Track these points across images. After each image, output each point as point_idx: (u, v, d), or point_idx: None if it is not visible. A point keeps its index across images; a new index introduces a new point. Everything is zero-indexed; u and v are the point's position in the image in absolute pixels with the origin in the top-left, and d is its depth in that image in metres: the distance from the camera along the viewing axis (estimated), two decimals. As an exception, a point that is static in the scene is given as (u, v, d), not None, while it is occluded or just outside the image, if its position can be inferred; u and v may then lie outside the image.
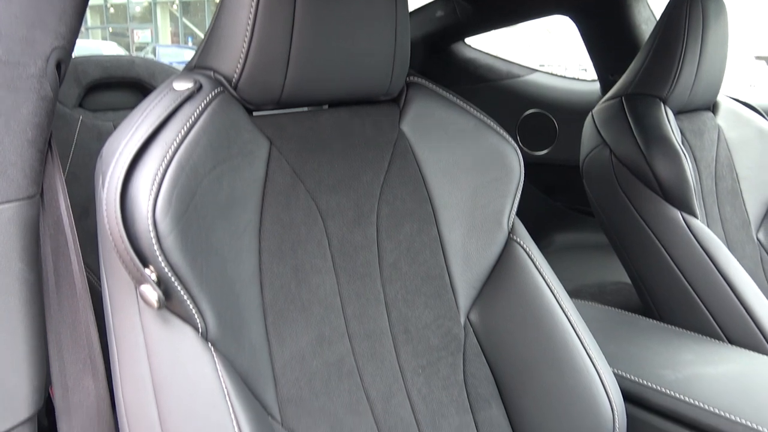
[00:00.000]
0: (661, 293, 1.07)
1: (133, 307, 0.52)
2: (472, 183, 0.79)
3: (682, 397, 0.80)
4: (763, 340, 0.95)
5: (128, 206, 0.50)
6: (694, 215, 1.04)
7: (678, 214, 1.04)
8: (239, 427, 0.50)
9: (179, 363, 0.51)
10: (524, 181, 0.82)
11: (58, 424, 0.63)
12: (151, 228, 0.48)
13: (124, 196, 0.51)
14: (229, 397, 0.51)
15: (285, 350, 0.63)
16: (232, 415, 0.51)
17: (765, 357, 0.90)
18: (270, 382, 0.61)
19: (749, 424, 0.73)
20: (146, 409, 0.51)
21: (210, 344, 0.53)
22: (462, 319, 0.78)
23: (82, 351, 0.62)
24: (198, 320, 0.52)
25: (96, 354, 0.62)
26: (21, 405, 0.55)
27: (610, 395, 0.74)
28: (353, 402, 0.67)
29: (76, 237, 0.61)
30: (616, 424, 0.74)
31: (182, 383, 0.51)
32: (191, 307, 0.52)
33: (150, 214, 0.49)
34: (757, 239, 1.25)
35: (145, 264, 0.50)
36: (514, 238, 0.81)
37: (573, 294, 0.90)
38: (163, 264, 0.49)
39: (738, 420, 0.74)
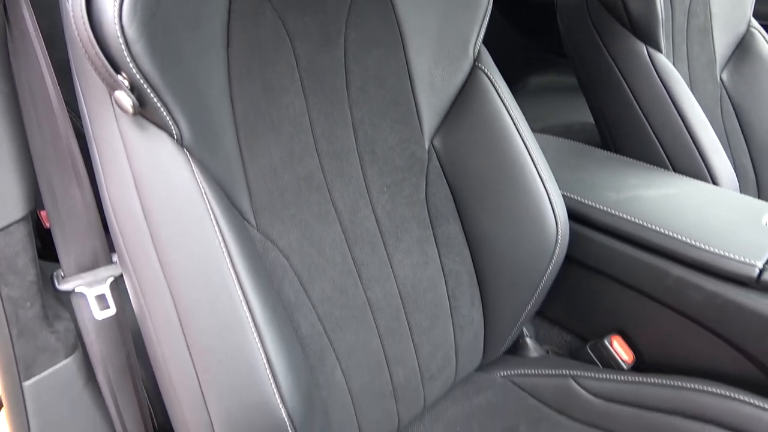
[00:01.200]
0: (619, 126, 1.12)
1: (110, 114, 0.55)
2: (440, 9, 0.79)
3: (622, 215, 0.88)
4: (705, 170, 1.03)
5: (95, 13, 0.51)
6: (659, 50, 1.07)
7: (643, 48, 1.06)
8: (217, 223, 0.56)
9: (158, 165, 0.55)
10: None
11: (53, 233, 0.69)
12: (119, 33, 0.50)
13: (90, 4, 0.52)
14: (206, 197, 0.56)
15: (257, 163, 0.68)
16: (211, 213, 0.56)
17: (703, 183, 0.98)
18: (244, 191, 0.66)
19: (679, 237, 0.83)
20: (131, 207, 0.56)
21: (186, 150, 0.57)
22: (426, 144, 0.83)
23: (65, 163, 0.66)
24: (173, 127, 0.56)
25: (79, 165, 0.67)
26: (14, 206, 0.60)
27: (557, 213, 0.82)
28: (322, 213, 0.74)
29: (45, 50, 0.62)
30: (559, 238, 0.82)
31: (162, 183, 0.56)
32: (165, 114, 0.55)
33: (117, 20, 0.50)
34: (720, 79, 1.29)
35: (117, 71, 0.52)
36: (480, 66, 0.83)
37: (539, 132, 0.94)
38: (134, 70, 0.52)
39: (670, 234, 0.84)
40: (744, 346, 0.79)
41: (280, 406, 0.54)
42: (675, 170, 1.04)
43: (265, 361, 0.53)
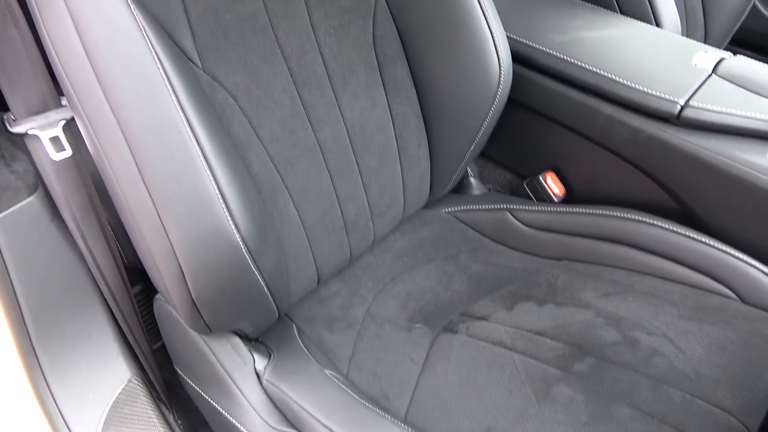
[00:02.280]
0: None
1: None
2: None
3: (562, 56, 0.91)
4: (650, 12, 1.04)
5: None
6: None
7: None
8: (160, 62, 0.57)
9: (95, 3, 0.55)
10: None
11: (1, 85, 0.69)
12: None
13: None
14: (147, 36, 0.57)
15: (198, 3, 0.67)
16: (153, 52, 0.57)
17: (646, 25, 1.00)
18: (186, 31, 0.67)
19: (611, 77, 0.87)
20: (73, 48, 0.57)
21: (122, -13, 0.57)
22: (373, -15, 0.82)
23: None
24: None
25: (12, 4, 0.65)
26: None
27: (500, 55, 0.85)
28: (268, 55, 0.75)
29: None
30: (501, 80, 0.86)
31: (102, 23, 0.55)
32: None
33: None
34: None
35: None
36: None
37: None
38: None
39: (603, 73, 0.88)
40: (661, 178, 0.87)
41: (234, 231, 0.59)
42: (621, 12, 1.05)
43: (216, 190, 0.58)
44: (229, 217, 0.59)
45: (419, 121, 0.91)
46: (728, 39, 1.41)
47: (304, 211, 0.80)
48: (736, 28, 1.41)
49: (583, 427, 0.63)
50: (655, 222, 0.84)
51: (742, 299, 0.76)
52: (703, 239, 0.79)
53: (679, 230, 0.81)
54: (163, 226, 0.59)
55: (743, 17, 1.41)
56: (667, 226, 0.83)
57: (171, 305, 0.75)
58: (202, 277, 0.61)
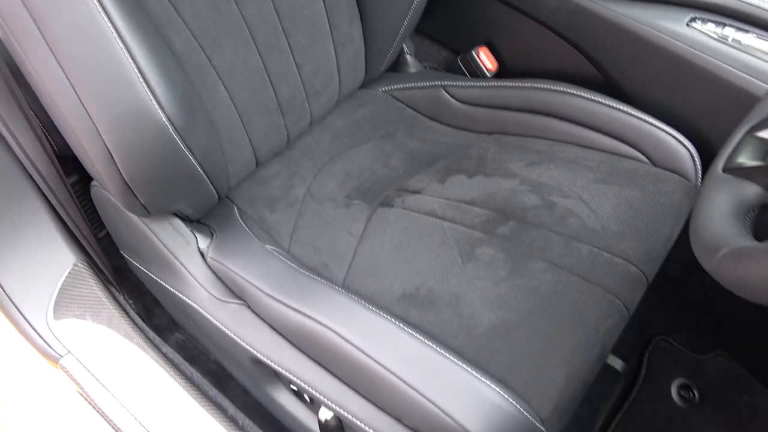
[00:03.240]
0: None
1: None
2: None
3: None
4: None
5: None
6: None
7: None
8: None
9: None
10: None
11: None
12: None
13: None
14: None
15: None
16: None
17: None
18: None
19: None
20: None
21: None
22: None
23: None
24: None
25: None
26: None
27: None
28: None
29: None
30: None
31: None
32: None
33: None
34: None
35: None
36: None
37: None
38: None
39: None
40: (587, 48, 0.89)
41: (158, 110, 0.59)
42: None
43: (135, 69, 0.57)
44: (151, 96, 0.59)
45: (350, -5, 0.89)
46: None
47: (234, 92, 0.79)
48: None
49: (501, 281, 0.69)
50: (579, 92, 0.87)
51: (652, 162, 0.82)
52: (620, 107, 0.84)
53: (600, 99, 0.85)
54: (84, 105, 0.58)
55: None
56: (589, 96, 0.87)
57: (106, 190, 0.75)
58: (131, 157, 0.61)
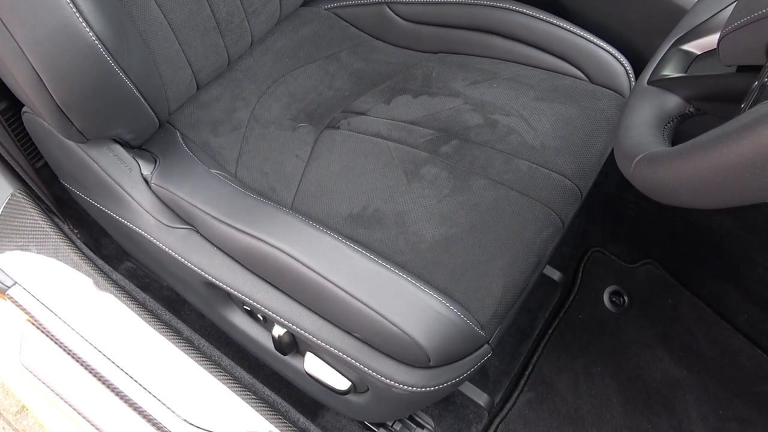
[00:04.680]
0: None
1: None
2: None
3: None
4: None
5: None
6: None
7: None
8: None
9: None
10: None
11: None
12: None
13: None
14: None
15: None
16: None
17: None
18: None
19: None
20: None
21: None
22: None
23: None
24: None
25: None
26: None
27: None
28: None
29: None
30: None
31: None
32: None
33: None
34: None
35: None
36: None
37: None
38: None
39: None
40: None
41: (86, 28, 0.56)
42: None
43: (56, -17, 0.54)
44: (76, 12, 0.56)
45: None
46: None
47: (168, 10, 0.76)
48: None
49: (445, 198, 0.72)
50: (521, 9, 0.87)
51: (590, 79, 0.84)
52: (562, 24, 0.84)
53: (540, 16, 0.85)
54: (5, 25, 0.55)
55: None
56: (531, 13, 0.87)
57: (39, 116, 0.72)
58: (61, 79, 0.59)
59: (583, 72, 0.84)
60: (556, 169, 0.74)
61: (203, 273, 0.73)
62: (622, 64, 0.82)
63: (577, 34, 0.83)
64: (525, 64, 0.87)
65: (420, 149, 0.78)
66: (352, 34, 0.99)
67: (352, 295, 0.60)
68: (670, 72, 0.51)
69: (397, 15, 0.96)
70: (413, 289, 0.61)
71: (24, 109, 0.78)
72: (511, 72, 0.86)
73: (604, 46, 0.82)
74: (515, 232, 0.69)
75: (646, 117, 0.47)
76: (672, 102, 0.48)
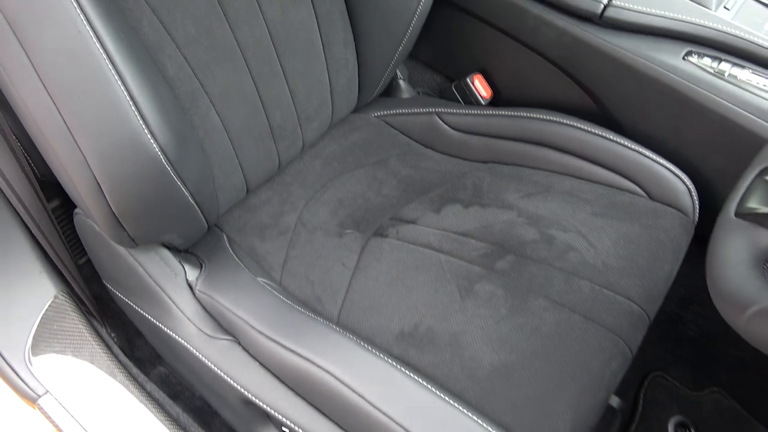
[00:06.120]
0: None
1: None
2: None
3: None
4: None
5: None
6: None
7: None
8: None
9: None
10: None
11: None
12: None
13: None
14: None
15: None
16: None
17: None
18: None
19: None
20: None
21: None
22: None
23: None
24: None
25: None
26: None
27: None
28: (210, 18, 0.69)
29: None
30: None
31: None
32: None
33: None
34: None
35: None
36: None
37: None
38: None
39: None
40: (583, 79, 0.89)
41: (151, 140, 0.56)
42: None
43: (127, 96, 0.54)
44: (143, 125, 0.56)
45: (344, 20, 0.87)
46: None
47: (227, 118, 0.77)
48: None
49: (502, 319, 0.67)
50: (575, 123, 0.87)
51: (649, 196, 0.81)
52: (618, 139, 0.83)
53: (596, 131, 0.85)
54: (73, 136, 0.55)
55: None
56: (585, 128, 0.86)
57: (92, 219, 0.72)
58: (120, 189, 0.58)
59: (641, 188, 0.82)
60: (621, 291, 0.70)
61: (242, 389, 0.68)
62: (684, 182, 0.79)
63: (635, 150, 0.82)
64: (579, 178, 0.85)
65: (473, 264, 0.75)
66: (401, 141, 0.99)
67: (407, 431, 0.55)
68: (758, 205, 0.48)
69: (447, 124, 0.96)
70: (474, 426, 0.56)
71: (76, 210, 0.78)
72: (566, 185, 0.84)
73: (664, 162, 0.80)
74: (581, 362, 0.64)
75: (741, 255, 0.43)
76: (767, 239, 0.45)
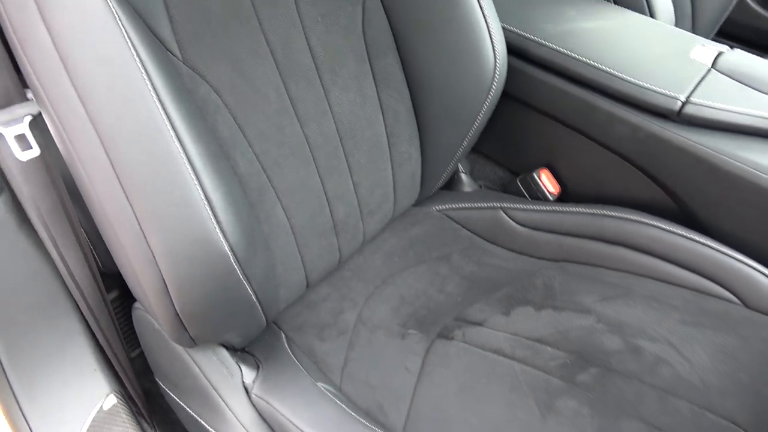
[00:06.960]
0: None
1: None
2: None
3: (556, 47, 0.88)
4: (644, 2, 1.02)
5: None
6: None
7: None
8: (136, 50, 0.52)
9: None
10: None
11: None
12: None
13: None
14: (120, 21, 0.51)
15: (175, -12, 0.62)
16: (127, 39, 0.52)
17: (639, 15, 0.97)
18: (164, 18, 0.61)
19: (608, 70, 0.84)
20: (37, 36, 0.51)
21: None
22: (362, -27, 0.77)
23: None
24: None
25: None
26: None
27: (496, 47, 0.81)
28: (254, 45, 0.69)
29: None
30: (496, 73, 0.82)
31: (69, 7, 0.50)
32: None
33: None
34: None
35: None
36: None
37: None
38: None
39: (599, 66, 0.84)
40: (660, 176, 0.85)
41: (222, 239, 0.55)
42: (615, 2, 1.02)
43: (202, 195, 0.53)
44: (216, 224, 0.54)
45: (410, 116, 0.87)
46: (715, 30, 1.40)
47: (292, 213, 0.75)
48: (723, 19, 1.40)
49: (590, 442, 0.60)
50: (654, 222, 0.82)
51: (744, 303, 0.74)
52: (703, 241, 0.77)
53: (678, 231, 0.79)
54: (144, 233, 0.54)
55: (730, 8, 1.40)
56: (666, 227, 0.81)
57: (152, 316, 0.70)
58: (186, 289, 0.56)
59: (734, 294, 0.75)
60: (725, 415, 0.62)
61: None
62: (785, 290, 0.72)
63: (725, 253, 0.76)
64: (662, 281, 0.79)
65: (552, 375, 0.68)
66: (464, 235, 0.96)
67: None
68: None
69: (513, 220, 0.93)
70: None
71: (135, 304, 0.76)
72: (647, 289, 0.78)
73: (759, 267, 0.74)
74: (689, 500, 0.55)
75: None
76: None
